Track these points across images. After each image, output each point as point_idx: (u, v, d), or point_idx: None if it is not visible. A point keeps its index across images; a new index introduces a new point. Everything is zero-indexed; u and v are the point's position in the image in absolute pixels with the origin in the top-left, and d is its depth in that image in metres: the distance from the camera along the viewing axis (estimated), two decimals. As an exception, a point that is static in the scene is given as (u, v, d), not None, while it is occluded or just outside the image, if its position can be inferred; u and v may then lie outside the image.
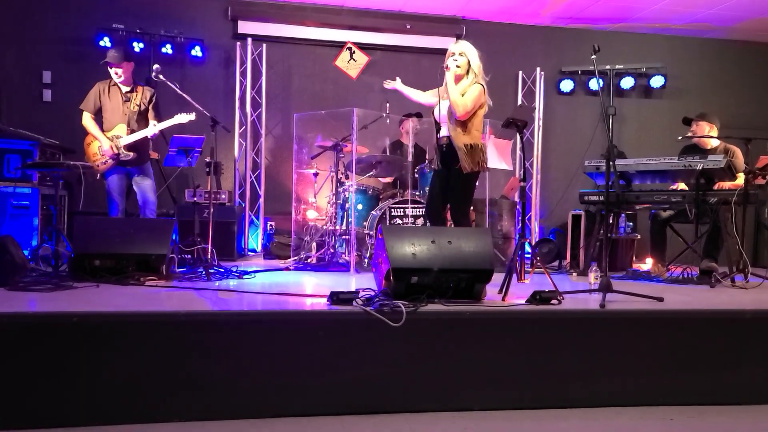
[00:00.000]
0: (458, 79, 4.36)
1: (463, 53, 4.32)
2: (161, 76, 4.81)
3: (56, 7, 6.70)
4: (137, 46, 6.70)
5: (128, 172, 5.15)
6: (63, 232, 4.70)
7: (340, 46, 7.34)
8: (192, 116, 5.00)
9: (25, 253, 4.17)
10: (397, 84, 4.74)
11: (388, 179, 6.28)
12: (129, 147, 5.03)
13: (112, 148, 4.96)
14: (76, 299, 3.24)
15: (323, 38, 7.34)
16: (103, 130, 5.04)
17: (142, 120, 5.14)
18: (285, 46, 7.32)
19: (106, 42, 6.65)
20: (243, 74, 7.10)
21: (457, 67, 4.32)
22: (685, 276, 4.88)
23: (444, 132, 4.45)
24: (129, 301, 3.18)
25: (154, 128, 5.05)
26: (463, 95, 4.26)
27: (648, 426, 2.85)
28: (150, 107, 5.16)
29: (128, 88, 5.09)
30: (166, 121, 5.06)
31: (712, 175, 4.81)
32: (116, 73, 5.02)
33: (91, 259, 4.00)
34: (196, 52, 6.94)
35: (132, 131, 5.05)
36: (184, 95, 4.85)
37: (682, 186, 5.24)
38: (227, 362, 2.78)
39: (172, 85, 4.83)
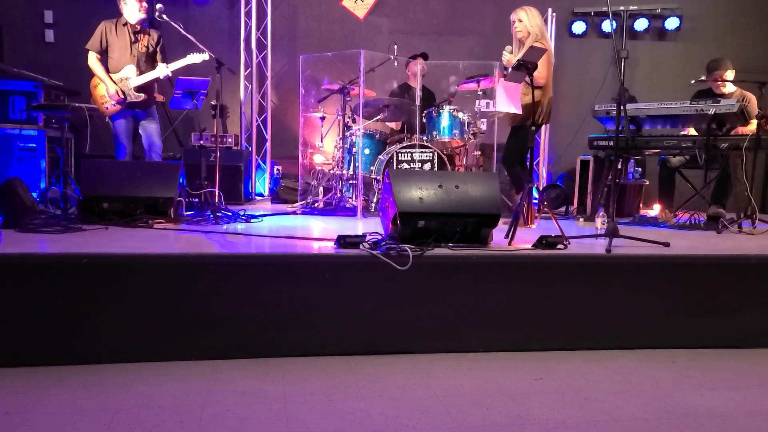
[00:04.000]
0: (522, 42, 4.66)
1: (521, 20, 4.67)
2: (164, 16, 4.70)
3: (56, -56, 6.54)
4: (139, -15, 6.54)
5: (135, 114, 5.10)
6: (71, 175, 4.71)
7: (347, -15, 7.17)
8: (205, 56, 4.86)
9: (34, 195, 4.19)
10: None
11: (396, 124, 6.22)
12: (138, 89, 4.97)
13: (117, 92, 4.89)
14: (86, 241, 3.27)
15: (329, -23, 7.15)
16: (110, 71, 4.94)
17: (149, 62, 5.06)
18: (290, -15, 7.15)
19: (107, -20, 6.49)
20: (248, 14, 6.96)
21: (519, 32, 4.69)
22: (693, 222, 4.87)
23: None
24: (138, 244, 3.21)
25: (166, 69, 4.94)
26: None
27: (650, 367, 2.90)
28: (158, 49, 5.08)
29: (137, 29, 4.99)
30: (178, 62, 4.93)
31: (724, 120, 4.73)
32: (143, 8, 4.91)
33: (100, 202, 4.02)
34: (200, -9, 6.79)
35: (141, 73, 4.97)
36: (189, 36, 4.75)
37: (691, 131, 5.18)
38: (236, 304, 2.82)
39: (176, 26, 4.72)
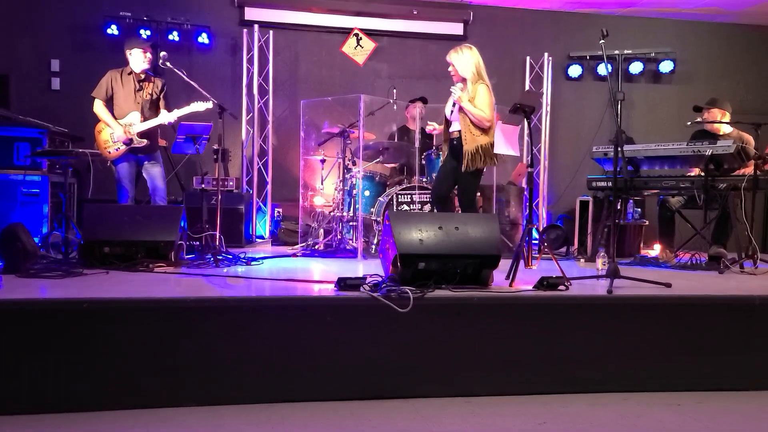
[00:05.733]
0: (458, 80, 4.59)
1: (450, 63, 4.55)
2: (168, 63, 4.80)
3: (63, -5, 6.72)
4: (144, 34, 6.71)
5: (138, 159, 5.16)
6: (73, 220, 4.74)
7: (346, 32, 7.32)
8: (209, 104, 4.93)
9: (36, 240, 4.20)
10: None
11: (395, 165, 6.27)
12: (142, 134, 5.04)
13: (126, 133, 4.96)
14: (87, 286, 3.26)
15: (330, 24, 7.32)
16: (114, 118, 5.03)
17: (153, 108, 5.15)
18: (292, 33, 7.31)
19: (113, 30, 6.67)
20: (250, 61, 7.09)
21: (453, 76, 4.59)
22: (694, 262, 4.86)
23: (455, 127, 4.63)
24: (138, 288, 3.20)
25: (170, 116, 5.02)
26: (474, 102, 4.42)
27: (655, 411, 2.86)
28: (161, 96, 5.17)
29: (142, 77, 5.09)
30: (183, 109, 5.01)
31: (721, 160, 4.77)
32: (146, 59, 5.03)
33: (101, 246, 4.02)
34: (203, 39, 6.94)
35: (145, 119, 5.06)
36: (192, 82, 4.84)
37: (698, 172, 5.20)
38: (236, 348, 2.80)
39: (180, 72, 4.82)
